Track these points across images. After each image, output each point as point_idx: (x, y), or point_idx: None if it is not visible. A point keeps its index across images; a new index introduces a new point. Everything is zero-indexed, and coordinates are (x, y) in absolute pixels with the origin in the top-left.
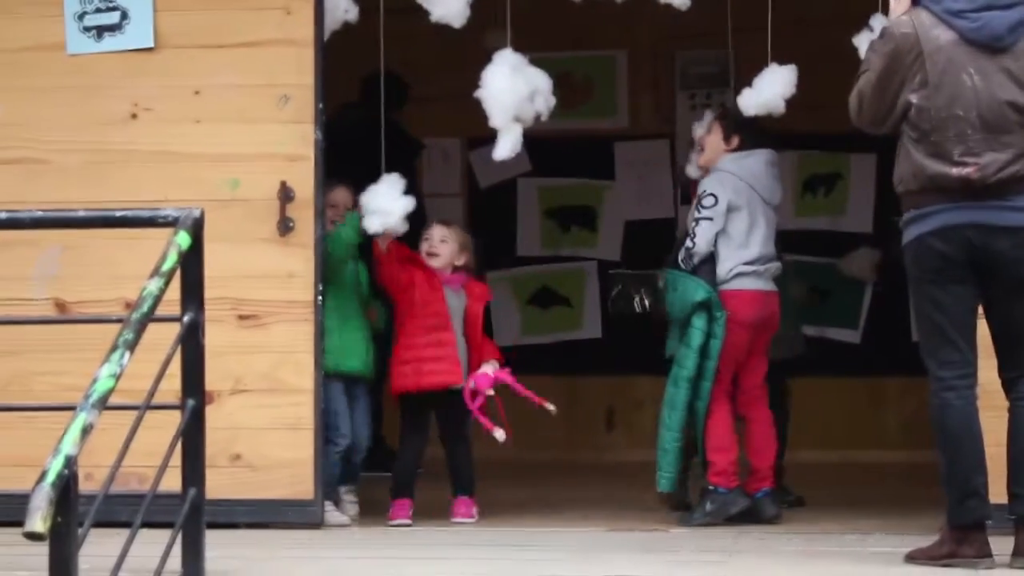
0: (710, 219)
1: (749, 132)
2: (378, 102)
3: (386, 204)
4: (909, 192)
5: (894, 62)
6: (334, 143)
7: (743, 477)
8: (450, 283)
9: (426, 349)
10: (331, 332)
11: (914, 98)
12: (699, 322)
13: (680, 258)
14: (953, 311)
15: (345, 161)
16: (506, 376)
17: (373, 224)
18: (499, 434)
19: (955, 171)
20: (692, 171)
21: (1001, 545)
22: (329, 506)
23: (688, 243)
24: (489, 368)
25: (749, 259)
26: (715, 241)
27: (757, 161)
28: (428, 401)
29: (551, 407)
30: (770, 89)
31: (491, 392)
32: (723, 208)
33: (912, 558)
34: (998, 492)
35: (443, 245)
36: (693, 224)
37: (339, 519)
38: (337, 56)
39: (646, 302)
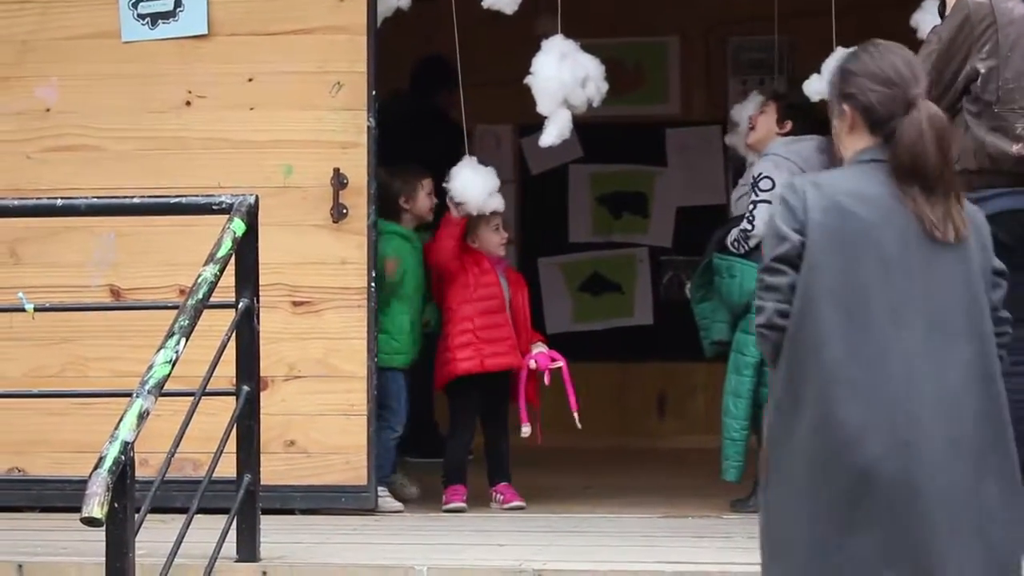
0: (768, 202)
1: (803, 117)
2: (422, 88)
3: (484, 186)
4: (965, 171)
5: (963, 31)
6: (384, 130)
7: None
8: (497, 264)
9: (485, 331)
10: (403, 329)
11: (982, 67)
12: None
13: (733, 240)
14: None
15: (394, 148)
16: (561, 358)
17: (494, 203)
18: (526, 429)
19: (1016, 148)
20: (734, 142)
21: None
22: (383, 492)
23: (746, 225)
24: (543, 348)
25: None
26: None
27: (808, 147)
28: (478, 386)
29: (578, 423)
30: None
31: (559, 364)
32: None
33: None
34: None
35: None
36: (751, 207)
37: (393, 506)
38: (389, 43)
39: (687, 287)
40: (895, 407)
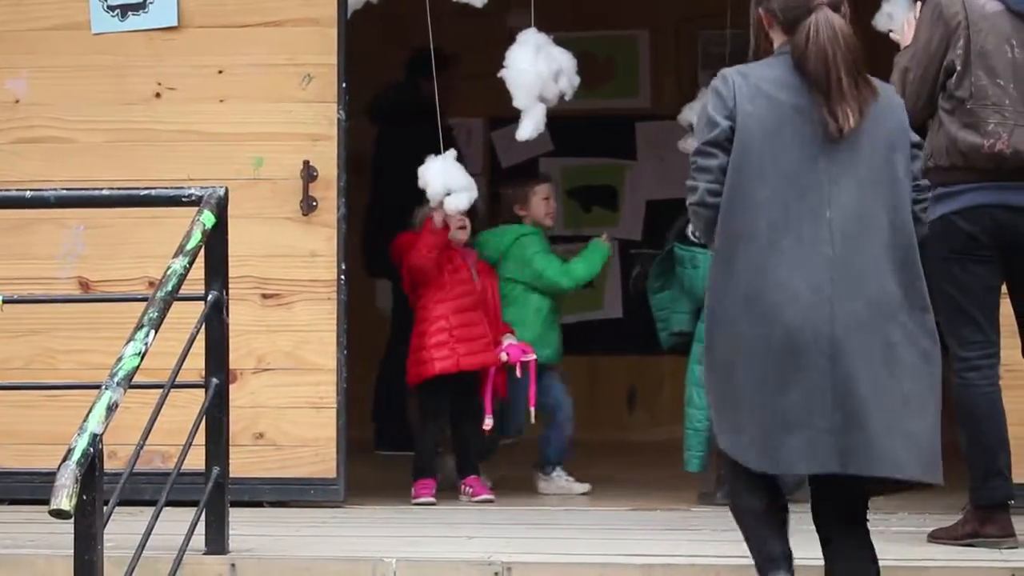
0: None
1: None
2: (413, 80)
3: (465, 179)
4: (938, 168)
5: (937, 27)
6: (381, 124)
7: None
8: (467, 258)
9: (460, 329)
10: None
11: (957, 64)
12: None
13: (694, 229)
14: (977, 291)
15: (390, 141)
16: (531, 351)
17: (463, 201)
18: (489, 421)
19: (987, 143)
20: (687, 147)
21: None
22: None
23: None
24: (514, 340)
25: None
26: None
27: None
28: (450, 383)
29: (533, 418)
30: None
31: (532, 357)
32: None
33: (935, 538)
34: (1022, 472)
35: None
36: None
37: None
38: (362, 36)
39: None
40: (822, 272)
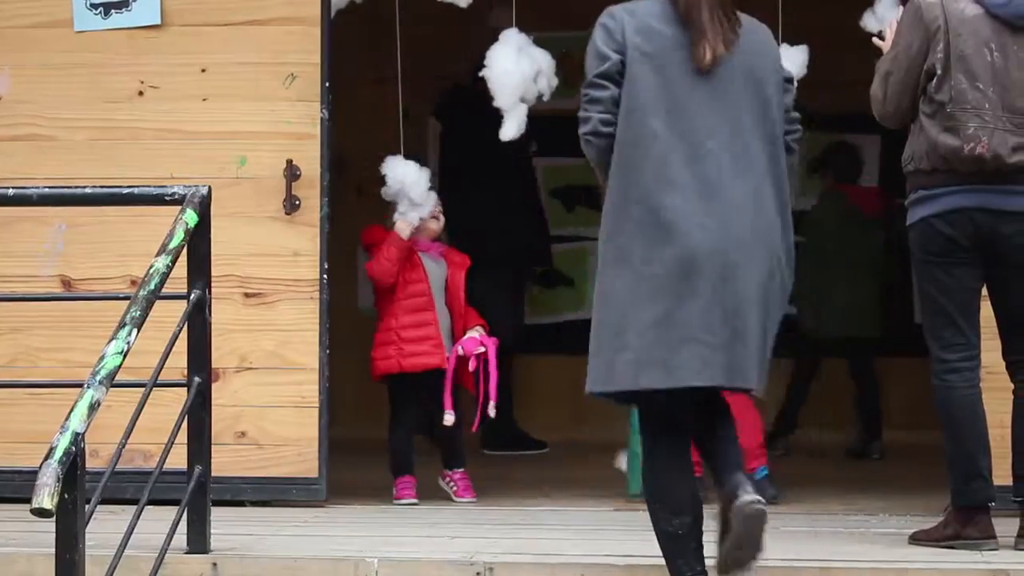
0: None
1: None
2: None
3: (421, 192)
4: (919, 171)
5: (917, 31)
6: (445, 123)
7: None
8: (428, 251)
9: (408, 331)
10: None
11: (937, 68)
12: None
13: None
14: (957, 293)
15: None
16: (491, 345)
17: (414, 216)
18: (449, 417)
19: (967, 147)
20: None
21: (1005, 527)
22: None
23: None
24: (476, 333)
25: None
26: None
27: None
28: (417, 381)
29: (492, 412)
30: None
31: (483, 349)
32: None
33: (916, 539)
34: (1003, 474)
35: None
36: None
37: None
38: (345, 36)
39: None
40: (711, 199)
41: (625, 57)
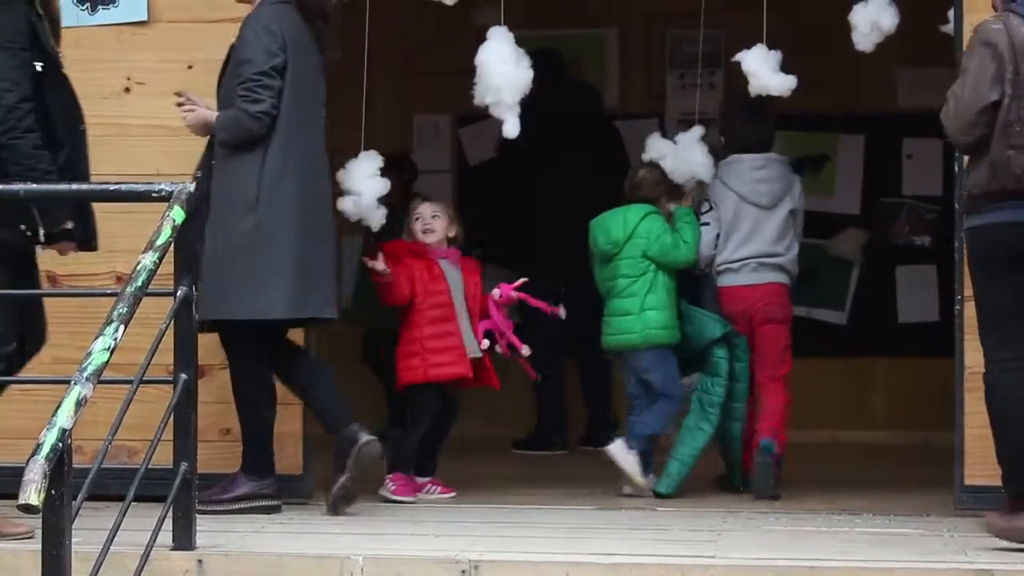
0: (707, 224)
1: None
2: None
3: (359, 183)
4: (986, 194)
5: (987, 58)
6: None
7: None
8: (447, 258)
9: (431, 340)
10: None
11: (1008, 88)
12: (721, 352)
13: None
14: (1011, 297)
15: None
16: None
17: (345, 204)
18: (526, 349)
19: None
20: None
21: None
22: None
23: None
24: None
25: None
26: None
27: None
28: (440, 389)
29: (525, 351)
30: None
31: (514, 295)
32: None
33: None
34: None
35: (436, 220)
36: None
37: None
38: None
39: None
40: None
41: (287, 55)
